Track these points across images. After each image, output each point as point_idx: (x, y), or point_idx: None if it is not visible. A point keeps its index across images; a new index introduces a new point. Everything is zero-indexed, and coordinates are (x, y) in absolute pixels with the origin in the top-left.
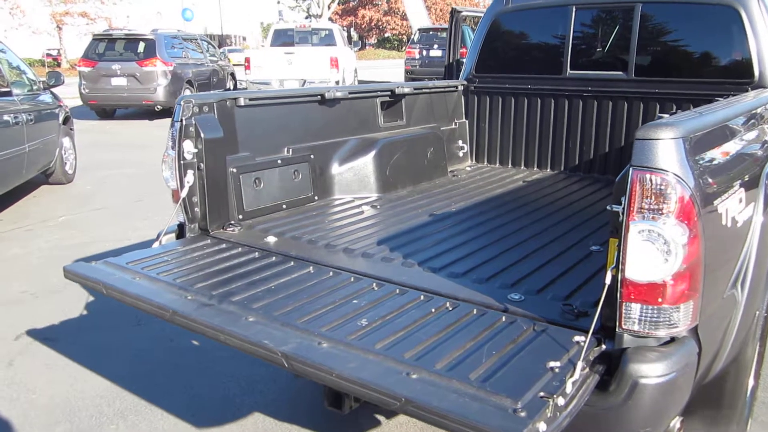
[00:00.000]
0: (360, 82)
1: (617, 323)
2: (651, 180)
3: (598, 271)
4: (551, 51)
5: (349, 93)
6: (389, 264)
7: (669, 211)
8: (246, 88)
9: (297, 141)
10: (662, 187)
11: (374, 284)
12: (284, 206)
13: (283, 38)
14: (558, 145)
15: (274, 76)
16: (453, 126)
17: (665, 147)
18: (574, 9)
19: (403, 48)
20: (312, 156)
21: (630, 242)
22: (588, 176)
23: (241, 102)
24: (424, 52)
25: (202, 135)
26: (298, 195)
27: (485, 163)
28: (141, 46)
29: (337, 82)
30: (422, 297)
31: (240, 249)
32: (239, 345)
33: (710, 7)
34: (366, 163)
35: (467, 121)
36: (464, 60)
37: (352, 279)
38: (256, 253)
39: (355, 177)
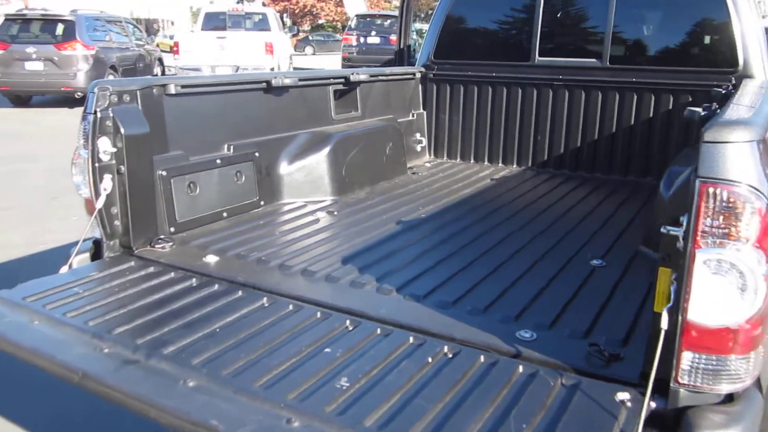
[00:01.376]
0: (296, 69)
1: (672, 377)
2: (721, 195)
3: (612, 295)
4: (518, 35)
5: (299, 80)
6: (361, 291)
7: (746, 234)
8: (176, 75)
9: (239, 136)
10: (736, 204)
11: (348, 322)
12: (225, 214)
13: (215, 22)
14: (525, 139)
15: (205, 61)
16: (410, 117)
17: (739, 152)
18: None
19: (338, 35)
20: (257, 154)
21: (695, 276)
22: (559, 173)
23: (172, 90)
24: (362, 39)
25: (122, 130)
26: (242, 200)
27: (445, 158)
28: (59, 28)
29: (272, 69)
30: (411, 339)
31: (173, 274)
32: (177, 425)
33: None
34: (319, 161)
35: (425, 112)
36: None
37: (319, 315)
38: (194, 280)
39: (307, 178)
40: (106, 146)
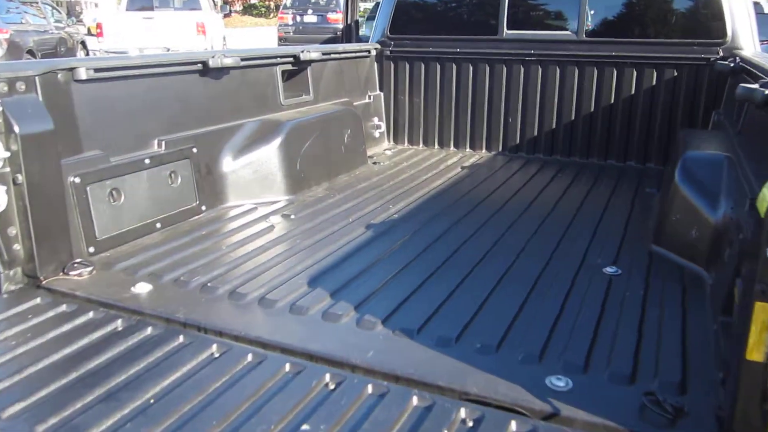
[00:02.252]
0: None
1: None
2: None
3: (643, 317)
4: (484, 6)
5: (242, 60)
6: (337, 327)
7: None
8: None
9: (172, 129)
10: None
11: (328, 377)
12: (159, 225)
13: (141, 2)
14: (495, 121)
15: (132, 44)
16: (367, 100)
17: None
18: None
19: (272, 15)
20: (195, 149)
21: None
22: (533, 158)
23: (82, 74)
24: (298, 18)
25: (16, 129)
26: (178, 206)
27: (406, 144)
28: None
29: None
30: (415, 400)
31: (91, 314)
32: None
33: None
34: (269, 155)
35: (382, 94)
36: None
37: (288, 368)
38: (120, 322)
39: (256, 175)
40: None
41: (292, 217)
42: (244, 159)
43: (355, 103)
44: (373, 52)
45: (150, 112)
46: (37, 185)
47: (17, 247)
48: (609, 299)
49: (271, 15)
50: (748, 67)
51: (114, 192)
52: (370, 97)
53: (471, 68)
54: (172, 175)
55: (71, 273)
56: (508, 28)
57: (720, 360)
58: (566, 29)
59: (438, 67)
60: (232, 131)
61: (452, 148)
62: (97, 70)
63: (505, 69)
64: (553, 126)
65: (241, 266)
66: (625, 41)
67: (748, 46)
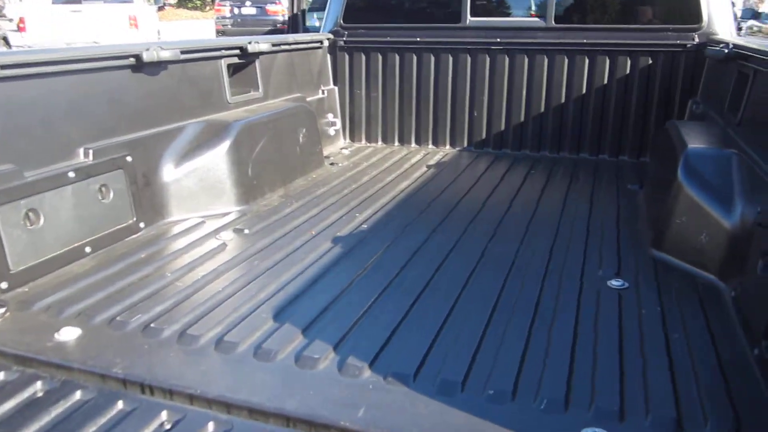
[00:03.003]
0: None
1: None
2: None
3: (668, 340)
4: None
5: (182, 52)
6: (316, 376)
7: None
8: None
9: (101, 136)
10: None
11: None
12: (89, 249)
13: None
14: (460, 115)
15: (58, 39)
16: (320, 95)
17: None
18: None
19: (208, 8)
20: (129, 158)
21: None
22: (501, 153)
23: None
24: (236, 10)
25: None
26: (112, 225)
27: (363, 142)
28: None
29: None
30: None
31: (2, 375)
32: None
33: None
34: (217, 160)
35: (336, 88)
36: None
37: None
38: (39, 384)
39: (203, 184)
40: None
41: (246, 231)
42: (188, 166)
43: (308, 99)
44: (326, 43)
45: (74, 116)
46: None
47: None
48: (624, 321)
49: (207, 8)
50: (746, 53)
51: (30, 214)
52: (323, 91)
53: (433, 58)
54: (103, 189)
55: None
56: (471, 15)
57: None
58: (534, 16)
59: (397, 57)
60: (172, 135)
61: (414, 144)
62: (5, 67)
63: (469, 59)
64: (522, 119)
65: (190, 298)
66: (597, 28)
67: (725, 32)
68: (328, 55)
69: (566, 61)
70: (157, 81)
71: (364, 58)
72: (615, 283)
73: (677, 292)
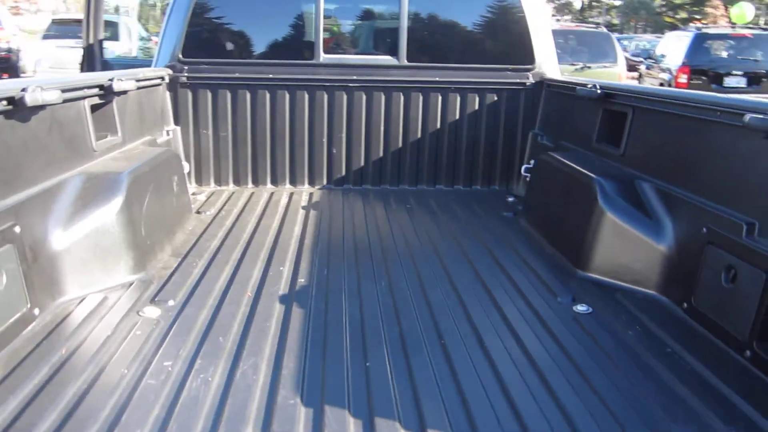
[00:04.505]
0: None
1: None
2: None
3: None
4: (297, 27)
5: (62, 90)
6: None
7: None
8: None
9: None
10: None
11: None
12: None
13: None
14: (318, 153)
15: None
16: (166, 136)
17: None
18: None
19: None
20: (17, 228)
21: None
22: (361, 189)
23: None
24: None
25: None
26: (4, 318)
27: (212, 186)
28: None
29: None
30: None
31: None
32: None
33: None
34: (109, 220)
35: (179, 128)
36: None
37: None
38: None
39: (97, 251)
40: None
41: (171, 303)
42: (78, 230)
43: (158, 141)
44: (166, 78)
45: None
46: None
47: None
48: (612, 358)
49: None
50: (622, 93)
51: None
52: (167, 132)
53: (288, 95)
54: None
55: None
56: (324, 52)
57: None
58: (387, 54)
59: (248, 95)
60: (52, 193)
61: (270, 185)
62: None
63: (326, 96)
64: (381, 155)
65: (113, 417)
66: (446, 66)
67: (551, 71)
68: (168, 92)
69: (421, 98)
70: (31, 128)
71: (210, 95)
72: (580, 308)
73: (641, 311)
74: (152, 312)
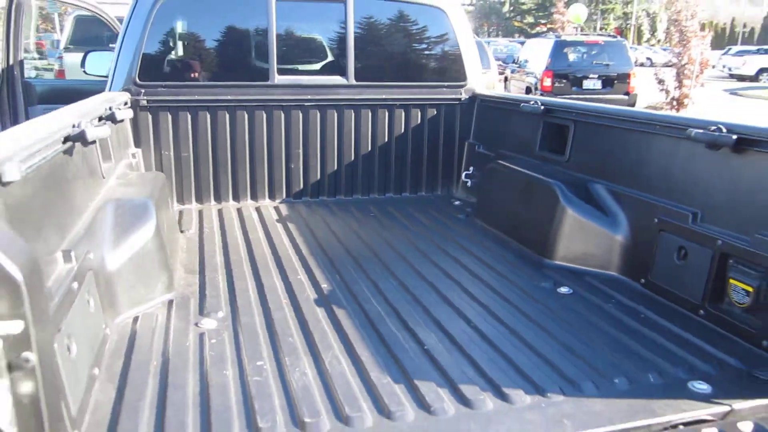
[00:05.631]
0: None
1: None
2: None
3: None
4: (252, 51)
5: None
6: None
7: None
8: None
9: (55, 232)
10: None
11: None
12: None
13: None
14: (277, 168)
15: None
16: (131, 159)
17: None
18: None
19: None
20: (91, 255)
21: None
22: (318, 201)
23: None
24: None
25: None
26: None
27: (176, 204)
28: None
29: None
30: None
31: None
32: None
33: (422, 8)
34: (149, 243)
35: (140, 150)
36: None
37: None
38: None
39: (139, 273)
40: None
41: (221, 314)
42: (124, 253)
43: (132, 164)
44: (129, 103)
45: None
46: None
47: None
48: (609, 319)
49: None
50: (565, 110)
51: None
52: (133, 155)
53: (246, 116)
54: (87, 296)
55: None
56: (279, 74)
57: None
58: (337, 74)
59: (208, 116)
60: (96, 220)
61: (231, 201)
62: None
63: (283, 115)
64: (335, 168)
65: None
66: (391, 85)
67: (478, 86)
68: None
69: (370, 114)
70: (77, 160)
71: (170, 117)
72: (564, 289)
73: (618, 290)
74: (209, 323)
